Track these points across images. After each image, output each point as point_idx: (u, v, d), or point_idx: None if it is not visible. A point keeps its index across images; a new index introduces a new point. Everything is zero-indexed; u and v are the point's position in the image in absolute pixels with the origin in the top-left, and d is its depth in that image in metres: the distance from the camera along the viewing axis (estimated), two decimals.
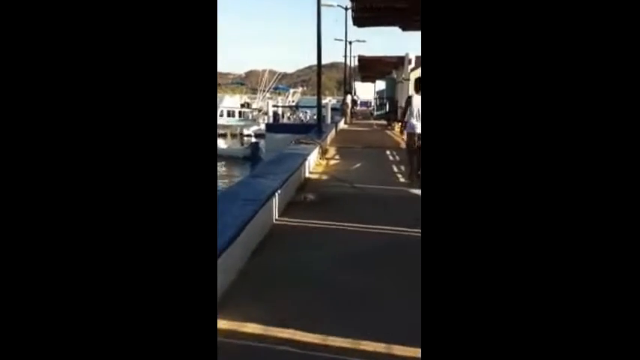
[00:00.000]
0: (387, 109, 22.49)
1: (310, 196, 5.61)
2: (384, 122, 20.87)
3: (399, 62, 19.35)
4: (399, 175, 7.23)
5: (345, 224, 4.31)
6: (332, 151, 10.45)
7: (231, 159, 19.51)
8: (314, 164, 7.93)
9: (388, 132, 16.66)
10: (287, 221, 4.45)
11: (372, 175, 7.23)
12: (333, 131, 14.17)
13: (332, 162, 8.65)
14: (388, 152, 10.31)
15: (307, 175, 6.98)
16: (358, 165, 8.27)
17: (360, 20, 10.70)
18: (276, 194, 4.48)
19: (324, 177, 7.13)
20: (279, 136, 16.79)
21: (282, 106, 29.36)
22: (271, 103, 29.79)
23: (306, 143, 8.59)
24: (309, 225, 4.35)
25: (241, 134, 23.53)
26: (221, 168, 17.58)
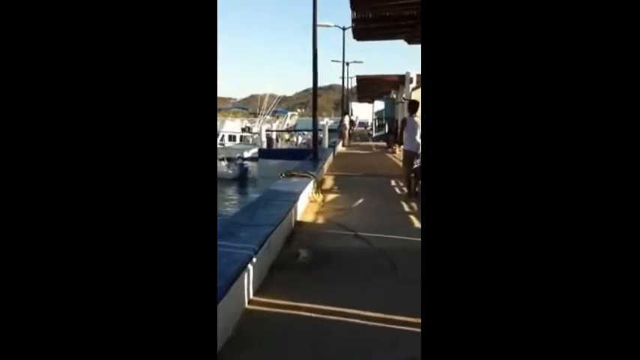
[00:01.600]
0: (387, 131, 21.28)
1: (302, 253, 4.22)
2: (383, 144, 19.65)
3: (399, 81, 18.21)
4: (413, 217, 5.84)
5: (350, 313, 2.89)
6: (329, 180, 9.10)
7: (220, 180, 19.31)
8: (308, 201, 6.57)
9: (389, 155, 15.38)
10: (265, 305, 3.03)
11: (380, 217, 5.85)
12: (331, 156, 12.86)
13: (329, 196, 7.27)
14: (393, 182, 8.95)
15: (299, 218, 5.60)
16: (361, 201, 6.90)
17: (362, 32, 9.48)
18: (251, 265, 3.10)
19: (320, 220, 5.74)
20: (273, 162, 15.48)
21: (277, 131, 28.17)
22: (268, 127, 28.78)
23: (299, 176, 7.22)
24: (298, 314, 2.93)
25: (242, 157, 22.81)
26: None
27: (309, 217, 5.80)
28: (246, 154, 24.32)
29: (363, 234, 4.89)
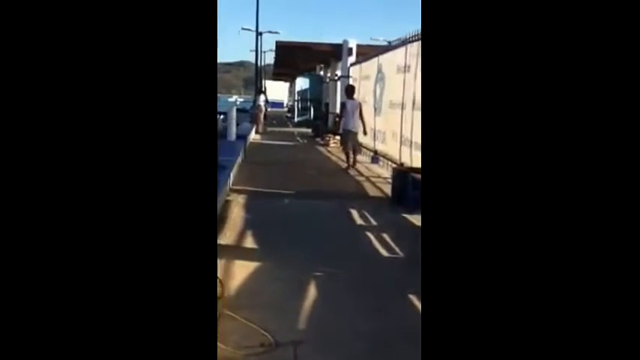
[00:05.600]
0: (312, 115, 17.21)
1: None
2: (307, 131, 15.59)
3: (332, 53, 14.15)
4: None
5: None
6: (236, 210, 4.79)
7: None
8: None
9: (321, 149, 11.39)
10: None
11: None
12: (240, 156, 8.34)
13: (236, 280, 2.99)
14: (355, 212, 4.89)
15: None
16: (320, 311, 2.74)
17: None
18: None
19: None
20: None
21: None
22: None
23: None
24: None
25: None
26: None
27: None
28: None
29: None
